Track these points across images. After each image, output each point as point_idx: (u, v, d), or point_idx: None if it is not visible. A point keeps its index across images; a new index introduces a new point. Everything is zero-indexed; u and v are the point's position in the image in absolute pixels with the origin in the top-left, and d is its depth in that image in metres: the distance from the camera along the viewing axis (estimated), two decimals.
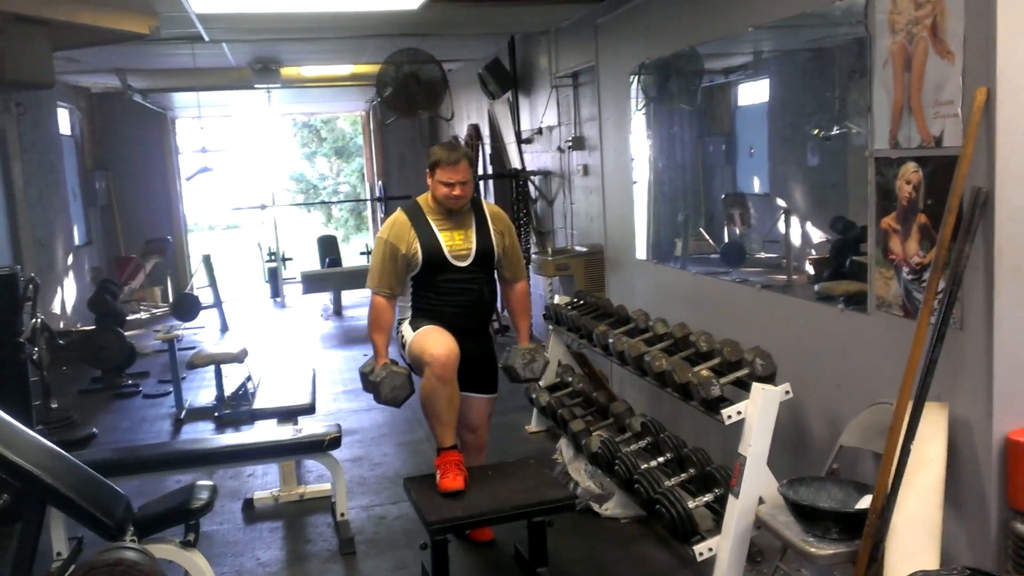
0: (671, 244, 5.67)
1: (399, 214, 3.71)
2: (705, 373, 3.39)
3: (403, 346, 3.69)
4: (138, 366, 7.39)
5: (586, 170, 6.28)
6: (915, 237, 2.83)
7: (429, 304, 3.68)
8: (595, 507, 4.07)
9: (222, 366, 6.16)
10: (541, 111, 7.17)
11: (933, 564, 2.54)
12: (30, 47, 5.21)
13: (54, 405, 5.86)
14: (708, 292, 4.46)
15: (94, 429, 5.83)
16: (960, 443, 2.68)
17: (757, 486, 3.12)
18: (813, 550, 2.71)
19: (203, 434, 5.72)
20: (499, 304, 6.54)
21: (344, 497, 4.08)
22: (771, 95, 5.79)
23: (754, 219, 5.91)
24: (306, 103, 13.67)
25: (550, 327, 5.27)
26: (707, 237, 5.95)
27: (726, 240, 5.95)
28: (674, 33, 4.67)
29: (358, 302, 10.53)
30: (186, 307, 9.11)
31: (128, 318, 8.61)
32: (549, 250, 6.75)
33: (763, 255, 5.70)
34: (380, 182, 12.76)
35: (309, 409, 4.53)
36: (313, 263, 11.85)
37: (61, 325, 8.32)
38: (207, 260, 9.75)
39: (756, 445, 3.12)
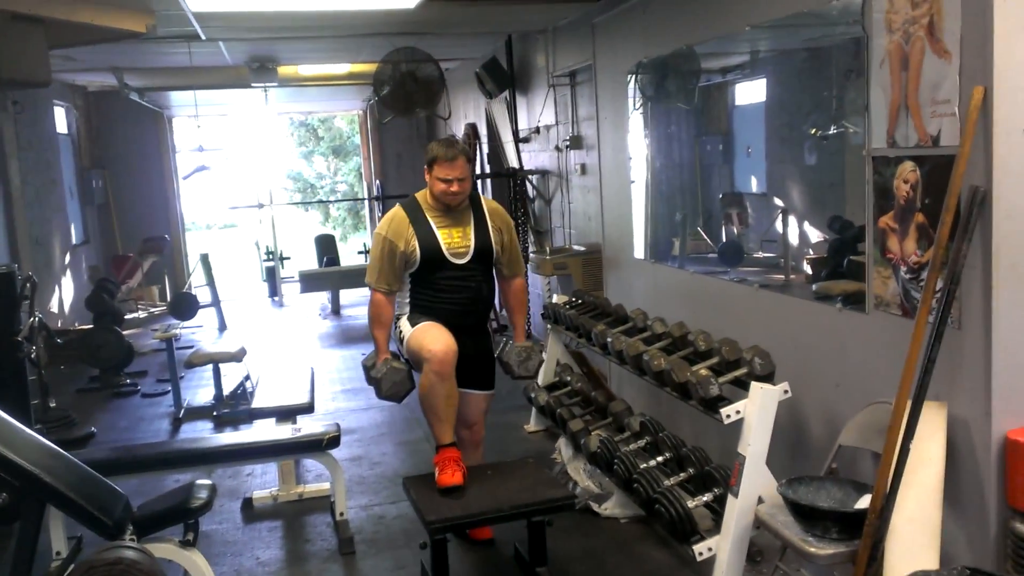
0: (669, 243, 5.67)
1: (397, 210, 3.70)
2: (704, 372, 3.39)
3: (401, 341, 3.70)
4: (136, 365, 7.39)
5: (584, 169, 6.27)
6: (913, 236, 2.84)
7: (427, 301, 3.68)
8: (594, 507, 4.07)
9: (220, 365, 6.15)
10: (538, 110, 7.17)
11: (932, 564, 2.55)
12: (26, 45, 5.20)
13: (52, 404, 5.87)
14: (706, 291, 4.46)
15: (92, 428, 5.83)
16: (959, 442, 2.69)
17: (756, 485, 3.13)
18: (813, 550, 2.71)
19: (202, 433, 5.71)
20: (497, 303, 6.56)
21: (343, 496, 4.08)
22: (768, 94, 5.79)
23: (752, 218, 5.91)
24: (303, 102, 13.66)
25: (548, 326, 5.27)
26: (705, 236, 5.96)
27: (724, 239, 5.96)
28: (671, 32, 4.67)
29: (356, 301, 10.53)
30: (184, 306, 9.09)
31: (126, 317, 8.61)
32: (547, 249, 6.74)
33: (761, 254, 5.70)
34: (378, 181, 12.75)
35: (308, 408, 4.53)
36: (311, 262, 11.85)
37: (59, 324, 8.30)
38: (205, 259, 9.73)
39: (755, 444, 3.12)
